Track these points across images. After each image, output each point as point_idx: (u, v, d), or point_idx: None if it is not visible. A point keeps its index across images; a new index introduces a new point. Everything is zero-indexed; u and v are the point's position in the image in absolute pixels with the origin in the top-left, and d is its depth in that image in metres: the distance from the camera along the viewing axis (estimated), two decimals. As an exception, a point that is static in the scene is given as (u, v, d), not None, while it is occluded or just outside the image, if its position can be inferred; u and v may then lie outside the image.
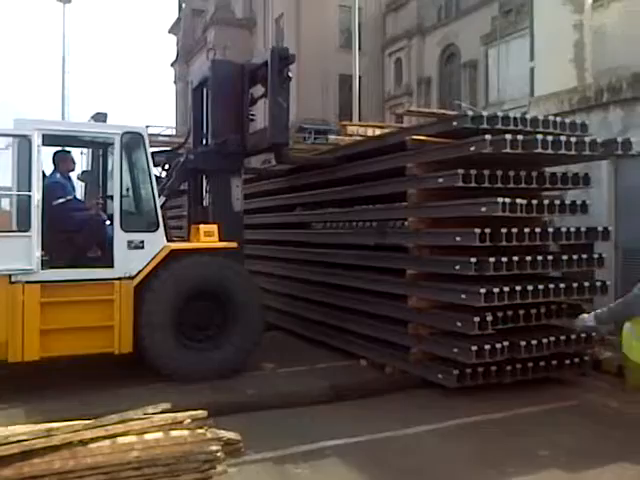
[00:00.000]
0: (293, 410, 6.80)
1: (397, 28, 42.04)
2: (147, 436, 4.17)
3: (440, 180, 7.26)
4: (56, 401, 6.99)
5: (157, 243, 7.83)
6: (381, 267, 8.57)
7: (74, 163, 8.60)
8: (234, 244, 8.28)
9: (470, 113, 6.98)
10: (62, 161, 8.32)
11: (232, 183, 9.14)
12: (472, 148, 6.82)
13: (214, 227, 8.31)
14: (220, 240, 8.26)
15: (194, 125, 9.87)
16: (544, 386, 7.43)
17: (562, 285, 7.25)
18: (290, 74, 8.77)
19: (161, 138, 26.15)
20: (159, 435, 4.19)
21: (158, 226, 7.87)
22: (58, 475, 3.71)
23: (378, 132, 9.14)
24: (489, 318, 6.82)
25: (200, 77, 9.83)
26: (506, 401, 6.93)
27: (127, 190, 7.99)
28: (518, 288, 6.87)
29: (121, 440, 4.10)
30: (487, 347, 6.82)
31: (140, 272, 7.71)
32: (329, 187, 9.80)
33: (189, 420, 4.43)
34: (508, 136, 6.62)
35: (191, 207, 9.81)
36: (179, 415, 4.42)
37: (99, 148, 9.02)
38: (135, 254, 7.72)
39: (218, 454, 4.09)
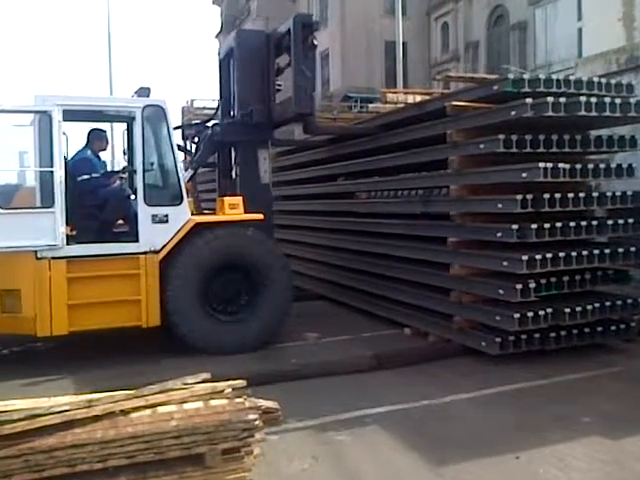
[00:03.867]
0: (336, 378, 6.87)
1: (443, -9, 41.17)
2: (187, 405, 4.24)
3: (481, 146, 7.15)
4: (103, 370, 7.20)
5: (181, 217, 7.85)
6: (424, 235, 8.51)
7: (107, 142, 8.70)
8: (259, 216, 8.20)
9: (511, 76, 6.82)
10: (96, 139, 8.42)
11: (259, 155, 9.13)
12: (513, 112, 6.69)
13: (239, 199, 8.28)
14: (246, 212, 8.24)
15: (222, 97, 9.83)
16: (588, 353, 7.34)
17: (607, 250, 7.09)
18: (315, 42, 8.65)
19: (207, 111, 26.27)
20: (198, 404, 4.26)
21: (182, 200, 7.88)
22: (100, 444, 3.80)
23: (419, 99, 8.97)
24: (532, 285, 6.74)
25: (227, 48, 9.75)
26: (549, 368, 6.87)
27: (150, 164, 7.98)
28: (561, 254, 6.76)
29: (161, 410, 4.19)
30: (530, 314, 6.75)
31: (165, 246, 7.75)
32: (371, 156, 9.74)
33: (229, 389, 4.50)
34: (550, 99, 6.46)
35: (220, 180, 9.83)
36: (219, 385, 4.49)
37: (122, 122, 9.01)
38: (159, 228, 7.74)
39: (256, 422, 4.13)
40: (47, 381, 6.96)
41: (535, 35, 27.12)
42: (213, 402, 4.31)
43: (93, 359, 7.67)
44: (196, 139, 9.49)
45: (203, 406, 4.26)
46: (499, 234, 6.96)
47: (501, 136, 6.74)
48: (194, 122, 9.58)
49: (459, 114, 7.51)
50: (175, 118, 12.85)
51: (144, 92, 8.58)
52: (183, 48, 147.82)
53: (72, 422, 3.93)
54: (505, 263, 6.84)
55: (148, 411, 4.20)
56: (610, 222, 7.16)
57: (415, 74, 36.86)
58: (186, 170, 8.94)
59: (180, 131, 9.73)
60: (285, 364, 7.44)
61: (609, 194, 7.08)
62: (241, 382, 4.59)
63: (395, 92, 10.00)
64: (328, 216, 11.41)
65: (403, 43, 23.29)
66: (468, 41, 37.87)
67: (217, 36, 60.21)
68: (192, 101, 27.88)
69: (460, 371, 7.04)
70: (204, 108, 27.89)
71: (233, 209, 8.17)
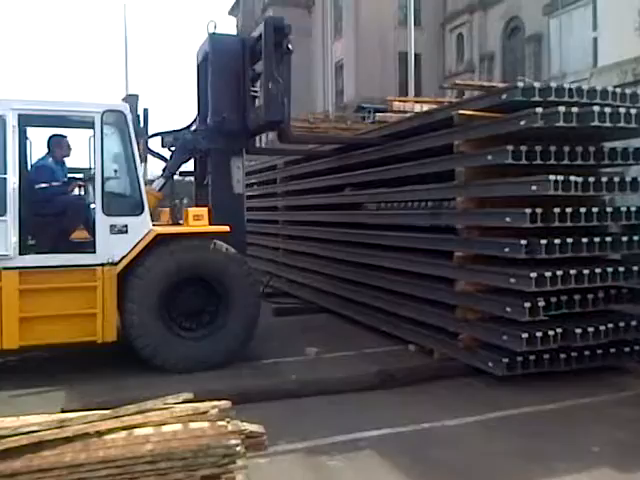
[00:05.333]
0: (335, 397, 6.57)
1: (458, 3, 40.98)
2: (165, 428, 3.97)
3: (489, 157, 6.85)
4: (92, 385, 7.03)
5: (142, 227, 7.52)
6: (430, 249, 8.22)
7: (69, 148, 8.35)
8: (225, 228, 7.84)
9: (521, 84, 6.53)
10: (56, 145, 8.14)
11: (232, 164, 8.84)
12: (522, 122, 6.39)
13: (204, 210, 7.96)
14: (213, 224, 7.92)
15: (198, 103, 9.54)
16: (601, 375, 6.99)
17: (621, 268, 6.76)
18: (290, 46, 8.36)
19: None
20: (177, 427, 3.98)
21: (143, 210, 7.55)
22: (69, 468, 3.55)
23: (427, 108, 8.70)
24: (541, 304, 6.42)
25: (203, 52, 9.43)
26: (559, 392, 6.52)
27: (110, 172, 7.63)
28: (573, 272, 6.42)
29: (137, 432, 3.92)
30: (539, 334, 6.43)
31: (124, 258, 7.43)
32: (377, 166, 9.47)
33: (213, 410, 4.23)
34: (561, 108, 6.17)
35: (196, 189, 9.56)
36: (201, 405, 4.21)
37: (82, 128, 8.47)
38: (118, 239, 7.43)
39: (238, 448, 3.85)
40: (35, 394, 6.77)
41: (549, 46, 26.81)
42: (193, 425, 4.03)
43: (89, 371, 7.50)
44: (173, 147, 9.19)
45: (182, 429, 3.98)
46: (507, 249, 6.66)
47: (510, 147, 6.45)
48: (172, 130, 9.22)
49: (467, 124, 7.23)
50: (160, 125, 12.43)
51: (132, 99, 8.35)
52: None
53: (41, 444, 3.67)
54: (513, 280, 6.53)
55: (123, 433, 3.93)
56: (625, 238, 6.83)
57: (430, 85, 36.66)
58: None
59: (160, 139, 9.39)
60: (283, 380, 7.17)
61: (624, 209, 6.75)
62: (225, 403, 4.30)
63: (402, 101, 9.70)
64: (334, 227, 11.14)
65: (417, 54, 23.12)
66: (483, 52, 37.69)
67: (232, 46, 60.21)
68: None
69: (465, 392, 6.72)
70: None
71: (197, 220, 7.84)
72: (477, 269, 7.24)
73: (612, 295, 7.02)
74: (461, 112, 7.16)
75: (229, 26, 64.02)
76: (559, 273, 6.37)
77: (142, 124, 8.82)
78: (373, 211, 10.00)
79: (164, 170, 8.95)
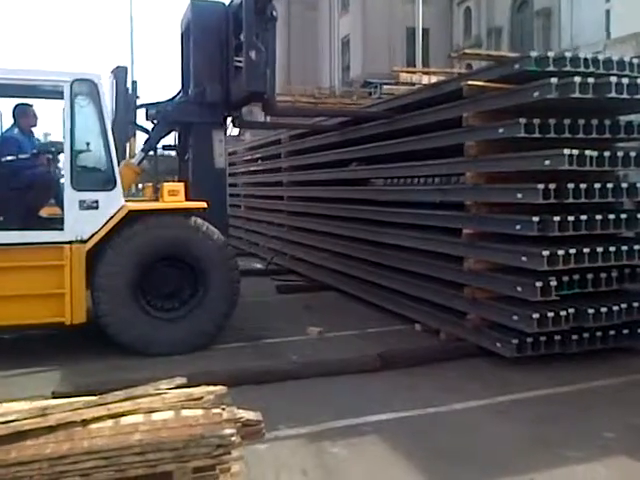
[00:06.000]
0: (338, 379, 6.36)
1: (466, -24, 40.34)
2: (155, 416, 3.74)
3: (500, 131, 6.57)
4: (87, 364, 6.88)
5: (113, 203, 7.14)
6: (437, 226, 7.96)
7: (36, 117, 7.99)
8: (202, 204, 7.50)
9: (534, 53, 6.22)
10: (21, 115, 7.79)
11: (214, 137, 8.47)
12: (536, 93, 6.08)
13: (180, 185, 7.60)
14: (190, 199, 7.59)
15: (182, 74, 9.19)
16: (613, 357, 6.75)
17: (637, 247, 6.48)
18: (275, 13, 7.95)
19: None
20: (168, 415, 3.75)
21: (115, 184, 7.19)
22: (50, 460, 3.32)
23: (434, 80, 8.38)
24: (553, 283, 6.16)
25: (185, 21, 9.05)
26: (570, 374, 6.29)
27: (80, 144, 7.26)
28: (586, 250, 6.16)
29: (125, 420, 3.69)
30: (550, 315, 6.18)
31: (94, 235, 7.06)
32: (384, 140, 9.17)
33: (208, 396, 4.00)
34: (577, 79, 5.86)
35: (180, 164, 9.24)
36: (195, 391, 3.98)
37: (51, 98, 8.07)
38: (88, 215, 7.07)
39: (233, 438, 3.62)
40: (27, 374, 6.59)
41: (560, 19, 26.28)
42: (185, 413, 3.79)
43: (86, 349, 7.33)
44: (156, 120, 8.86)
45: (173, 417, 3.74)
46: (518, 226, 6.39)
47: (522, 120, 6.15)
48: (156, 102, 8.88)
49: (476, 95, 6.92)
50: (146, 97, 12.03)
51: (121, 71, 8.05)
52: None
53: (21, 434, 3.45)
54: (524, 258, 6.27)
55: (110, 421, 3.70)
56: (640, 216, 6.55)
57: (437, 61, 36.05)
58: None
59: (144, 111, 9.07)
60: (284, 361, 6.97)
61: (640, 185, 6.47)
62: (221, 388, 4.07)
63: (410, 72, 9.35)
64: (339, 203, 10.89)
65: (425, 29, 22.77)
66: (491, 27, 37.15)
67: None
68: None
69: (472, 374, 6.47)
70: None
71: (173, 196, 7.47)
72: (486, 247, 6.97)
73: (626, 274, 6.75)
74: (471, 83, 6.84)
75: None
76: (572, 251, 6.10)
77: (130, 96, 8.55)
78: (380, 187, 9.73)
79: (145, 143, 8.62)
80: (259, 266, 14.28)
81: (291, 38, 49.57)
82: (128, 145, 8.78)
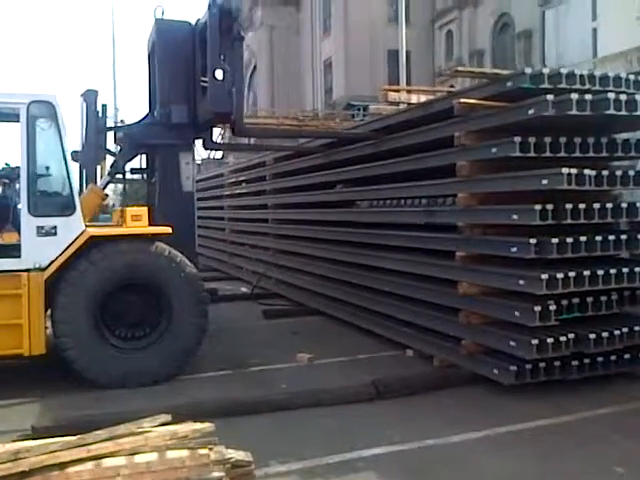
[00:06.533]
0: (329, 409, 6.09)
1: (448, -1, 40.64)
2: (138, 458, 3.46)
3: (494, 150, 6.38)
4: (71, 395, 6.61)
5: (73, 229, 6.87)
6: (429, 249, 7.72)
7: None
8: (166, 229, 7.22)
9: (528, 70, 6.04)
10: None
11: (181, 159, 8.21)
12: (531, 111, 5.90)
13: (143, 210, 7.32)
14: (156, 224, 7.32)
15: (150, 96, 8.90)
16: (616, 382, 6.52)
17: (638, 269, 6.26)
18: (242, 32, 7.75)
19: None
20: (152, 457, 3.48)
21: (74, 209, 6.93)
22: (21, 511, 3.04)
23: (424, 99, 8.21)
24: (552, 307, 5.93)
25: (151, 41, 8.79)
26: (572, 402, 6.04)
27: (37, 168, 7.00)
28: (586, 273, 5.94)
29: (106, 463, 3.42)
30: (550, 341, 5.95)
31: (53, 262, 6.77)
32: (370, 162, 8.98)
33: (194, 434, 3.71)
34: (574, 95, 5.69)
35: (148, 187, 8.96)
36: (181, 429, 3.71)
37: (6, 121, 7.68)
38: (47, 242, 6.79)
39: (221, 482, 3.36)
40: (7, 406, 6.33)
41: (544, 40, 26.36)
42: (170, 454, 3.53)
43: (71, 378, 6.94)
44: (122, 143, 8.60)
45: (157, 459, 3.48)
46: (514, 249, 6.17)
47: (517, 139, 5.97)
48: (122, 124, 8.62)
49: (469, 114, 6.73)
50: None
51: (91, 95, 7.80)
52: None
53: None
54: (521, 282, 6.04)
55: (90, 464, 3.43)
56: (640, 236, 6.35)
57: (419, 83, 35.98)
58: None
59: (112, 134, 8.85)
60: (274, 391, 6.68)
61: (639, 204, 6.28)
62: (208, 426, 3.80)
63: (396, 90, 9.17)
64: (326, 226, 10.65)
65: (407, 52, 22.65)
66: (473, 49, 37.30)
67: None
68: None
69: (469, 403, 6.22)
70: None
71: (136, 221, 7.17)
72: (481, 270, 6.75)
73: (626, 297, 6.53)
74: (463, 101, 6.64)
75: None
76: (571, 274, 5.88)
77: (100, 119, 8.30)
78: (367, 209, 9.51)
79: (111, 167, 8.34)
80: (245, 290, 14.00)
81: (274, 62, 49.70)
82: (99, 169, 8.49)
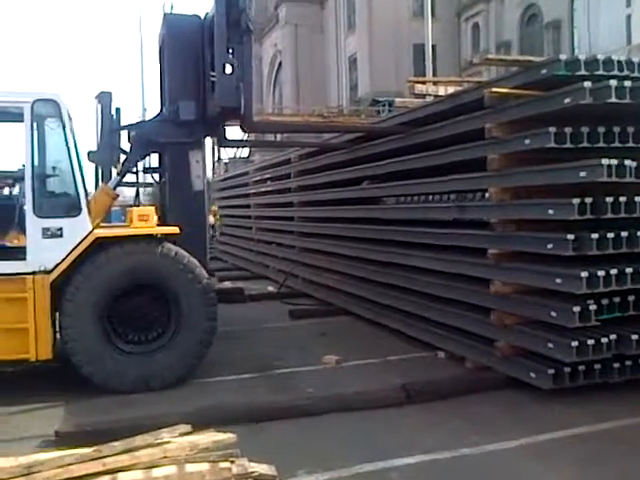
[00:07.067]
0: (358, 414, 5.86)
1: (473, -9, 40.17)
2: (156, 472, 3.27)
3: (527, 141, 6.08)
4: (95, 399, 6.47)
5: (80, 230, 6.71)
6: (460, 246, 7.44)
7: None
8: (174, 229, 7.07)
9: (563, 57, 5.74)
10: None
11: (191, 157, 7.94)
12: (567, 100, 5.59)
13: (150, 210, 7.12)
14: (167, 225, 7.15)
15: (161, 92, 8.63)
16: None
17: (682, 265, 5.93)
18: (250, 25, 7.46)
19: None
20: (171, 470, 3.28)
21: (80, 210, 6.77)
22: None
23: (451, 91, 7.91)
24: (592, 307, 5.63)
25: (160, 36, 8.56)
26: (613, 407, 5.73)
27: (43, 168, 6.92)
28: (629, 270, 5.63)
29: (123, 477, 3.22)
30: (591, 342, 5.65)
31: (59, 265, 6.61)
32: (398, 157, 8.71)
33: (214, 445, 3.51)
34: (613, 82, 5.37)
35: (161, 186, 8.67)
36: (201, 441, 3.50)
37: (11, 121, 7.55)
38: (52, 243, 6.63)
39: (243, 499, 3.15)
40: (31, 410, 6.21)
41: (573, 29, 25.83)
42: (190, 467, 3.32)
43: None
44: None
45: (176, 473, 3.28)
46: (550, 245, 5.87)
47: (552, 129, 5.66)
48: (136, 122, 8.35)
49: (500, 104, 6.43)
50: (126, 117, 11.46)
51: (105, 97, 7.63)
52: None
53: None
54: (559, 280, 5.73)
55: (106, 478, 3.23)
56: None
57: (445, 76, 35.79)
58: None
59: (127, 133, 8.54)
60: (299, 395, 6.45)
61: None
62: (230, 437, 3.59)
63: (423, 82, 8.87)
64: (352, 223, 10.41)
65: (432, 45, 22.32)
66: (500, 41, 36.86)
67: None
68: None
69: (505, 409, 5.93)
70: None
71: (143, 221, 6.96)
72: (515, 268, 6.44)
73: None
74: (494, 90, 6.34)
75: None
76: (613, 272, 5.57)
77: (115, 121, 8.13)
78: (394, 205, 9.24)
79: (122, 166, 8.12)
80: (271, 289, 13.83)
81: (299, 60, 49.67)
82: (115, 170, 8.33)
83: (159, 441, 3.51)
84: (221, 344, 8.53)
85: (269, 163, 15.77)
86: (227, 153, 41.23)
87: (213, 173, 37.58)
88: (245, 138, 11.58)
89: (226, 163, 41.76)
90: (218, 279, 15.52)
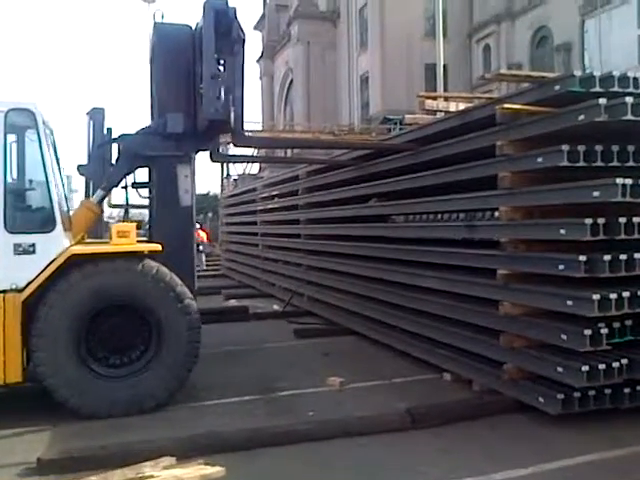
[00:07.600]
0: (361, 440, 5.66)
1: (485, 13, 40.41)
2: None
3: (539, 160, 5.91)
4: (86, 423, 6.22)
5: (54, 246, 6.46)
6: (468, 266, 7.25)
7: None
8: (156, 246, 6.84)
9: (578, 73, 5.58)
10: None
11: (179, 172, 7.68)
12: (582, 117, 5.43)
13: (131, 226, 6.84)
14: (151, 241, 6.93)
15: (151, 104, 8.44)
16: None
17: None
18: (242, 34, 7.24)
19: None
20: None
21: (54, 225, 6.52)
22: None
23: (462, 107, 7.75)
24: (604, 331, 5.42)
25: (150, 46, 8.39)
26: (624, 433, 5.53)
27: (13, 181, 6.66)
28: (641, 293, 5.43)
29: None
30: (602, 367, 5.44)
31: (31, 283, 6.33)
32: (405, 174, 8.55)
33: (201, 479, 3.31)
34: (629, 99, 5.20)
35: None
36: (186, 475, 3.30)
37: None
38: (24, 260, 6.36)
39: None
40: (17, 435, 5.98)
41: (583, 49, 25.70)
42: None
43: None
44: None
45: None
46: (561, 266, 5.67)
47: (565, 147, 5.49)
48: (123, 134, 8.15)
49: (512, 121, 6.27)
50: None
51: (97, 113, 7.47)
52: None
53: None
54: (570, 302, 5.54)
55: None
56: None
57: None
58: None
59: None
60: (299, 419, 6.22)
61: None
62: (218, 470, 3.39)
63: (434, 97, 8.73)
64: (359, 242, 10.23)
65: (444, 65, 22.27)
66: (511, 63, 36.75)
67: (258, 61, 60.12)
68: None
69: (512, 434, 5.72)
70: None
71: (122, 237, 6.69)
72: (525, 289, 6.25)
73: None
74: (506, 106, 6.18)
75: (255, 41, 63.82)
76: (626, 294, 5.37)
77: (106, 136, 8.02)
78: (402, 224, 9.06)
79: (106, 180, 7.88)
80: (276, 307, 13.65)
81: (311, 78, 49.72)
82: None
83: (140, 476, 3.31)
84: (223, 364, 8.39)
85: (277, 180, 15.63)
86: (236, 169, 41.28)
87: (222, 189, 37.68)
88: (254, 154, 11.38)
89: (235, 179, 41.79)
90: (224, 297, 15.44)
